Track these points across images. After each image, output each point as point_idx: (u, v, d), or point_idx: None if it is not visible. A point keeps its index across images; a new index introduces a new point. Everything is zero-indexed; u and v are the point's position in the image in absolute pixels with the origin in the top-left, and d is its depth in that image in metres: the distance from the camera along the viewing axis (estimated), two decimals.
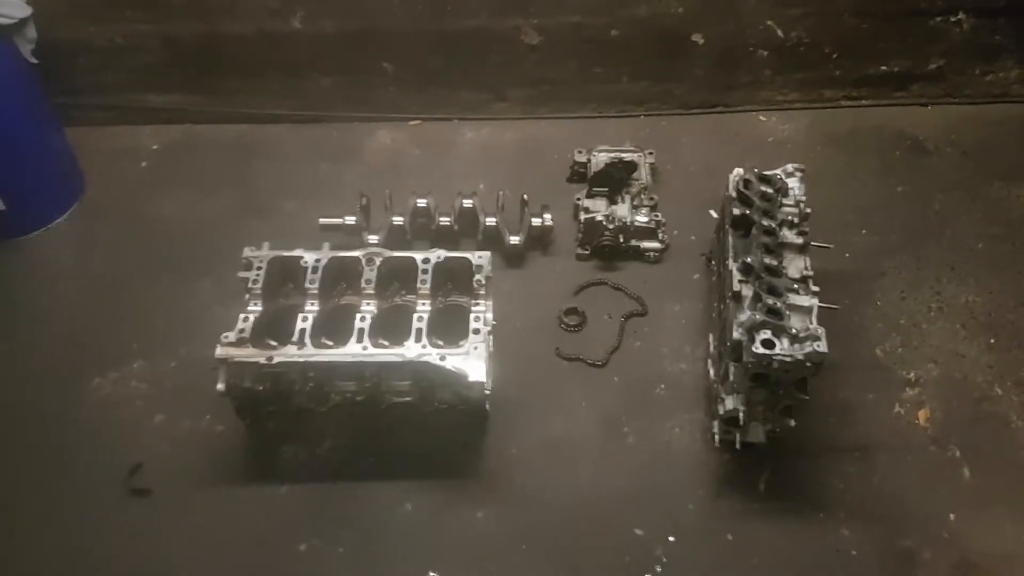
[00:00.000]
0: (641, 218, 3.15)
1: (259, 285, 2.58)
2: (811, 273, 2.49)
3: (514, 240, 3.13)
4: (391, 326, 2.56)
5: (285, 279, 2.69)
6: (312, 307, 2.56)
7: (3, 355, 2.92)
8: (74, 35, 3.46)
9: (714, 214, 3.18)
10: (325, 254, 2.68)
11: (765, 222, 2.59)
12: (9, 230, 3.27)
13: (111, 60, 3.55)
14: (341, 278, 2.69)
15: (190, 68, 3.61)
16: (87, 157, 3.53)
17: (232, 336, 2.45)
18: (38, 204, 3.33)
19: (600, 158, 3.35)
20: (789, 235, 2.58)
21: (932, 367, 2.84)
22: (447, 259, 2.68)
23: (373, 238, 3.09)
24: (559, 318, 2.99)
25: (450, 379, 2.45)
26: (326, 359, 2.45)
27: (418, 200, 3.16)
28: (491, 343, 2.56)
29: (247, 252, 2.66)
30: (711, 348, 2.77)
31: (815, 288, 2.45)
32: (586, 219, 3.11)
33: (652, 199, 3.21)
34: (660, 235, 3.17)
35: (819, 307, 2.38)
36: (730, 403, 2.43)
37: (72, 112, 3.55)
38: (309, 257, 2.66)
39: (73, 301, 3.08)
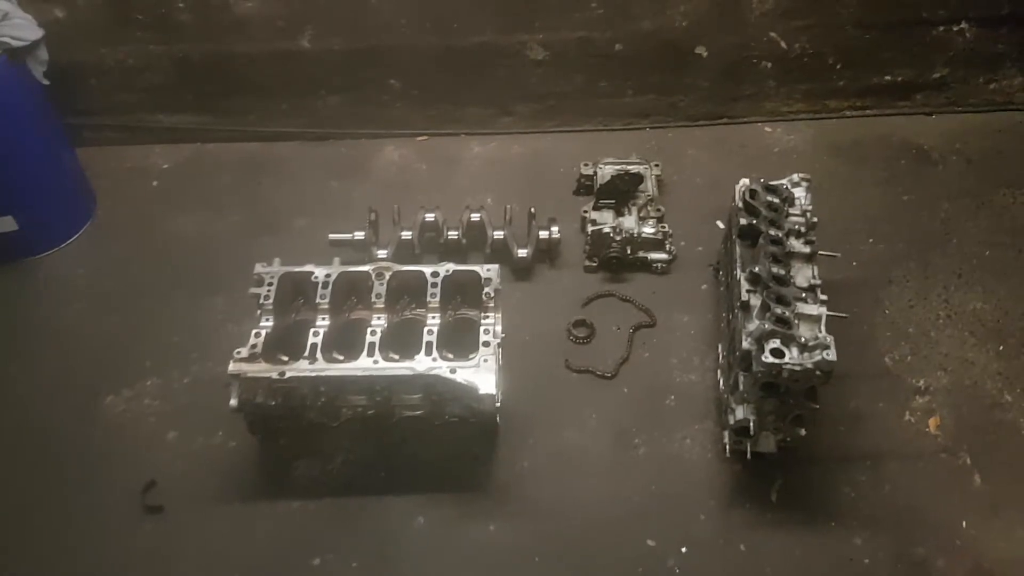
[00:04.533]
0: (648, 229, 3.16)
1: (270, 301, 2.60)
2: (819, 282, 2.50)
3: (522, 253, 3.15)
4: (401, 340, 2.58)
5: (296, 295, 2.71)
6: (323, 322, 2.58)
7: (17, 374, 2.94)
8: (85, 56, 3.50)
9: (721, 225, 3.19)
10: (335, 269, 2.69)
11: (772, 232, 2.59)
12: (22, 250, 3.30)
13: (122, 81, 3.59)
14: (351, 293, 2.71)
15: (200, 88, 3.65)
16: (98, 177, 3.56)
17: (244, 352, 2.46)
18: (50, 224, 3.35)
19: (606, 170, 3.36)
20: (796, 244, 2.59)
21: (942, 375, 2.84)
22: (456, 273, 2.69)
23: (382, 253, 3.11)
24: (568, 330, 2.99)
25: (460, 392, 2.46)
26: (337, 373, 2.46)
27: (426, 214, 3.18)
28: (500, 356, 2.57)
29: (258, 268, 2.68)
30: (720, 358, 2.78)
31: (823, 297, 2.45)
32: (593, 231, 3.13)
33: (659, 210, 3.22)
34: (667, 246, 3.18)
35: (827, 316, 2.38)
36: (740, 413, 2.43)
37: (83, 132, 3.60)
38: (319, 272, 2.68)
39: (86, 320, 3.10)
